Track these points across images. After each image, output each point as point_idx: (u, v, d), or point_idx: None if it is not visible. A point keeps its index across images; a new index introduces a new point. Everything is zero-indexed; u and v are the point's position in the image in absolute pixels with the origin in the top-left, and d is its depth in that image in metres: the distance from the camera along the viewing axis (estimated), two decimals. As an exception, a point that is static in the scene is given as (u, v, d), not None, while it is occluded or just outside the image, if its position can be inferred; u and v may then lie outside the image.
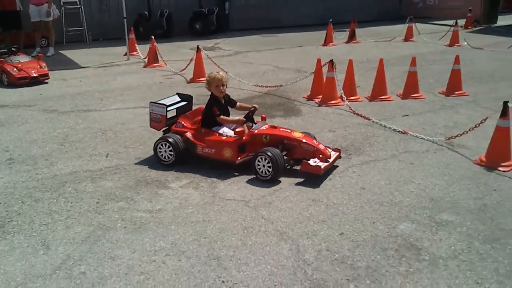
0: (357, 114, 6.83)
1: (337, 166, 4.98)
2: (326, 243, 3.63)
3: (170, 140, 5.07)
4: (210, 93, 5.29)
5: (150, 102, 5.55)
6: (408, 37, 14.21)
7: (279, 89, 8.41)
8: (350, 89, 7.65)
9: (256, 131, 5.01)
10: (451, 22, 14.30)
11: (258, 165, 4.69)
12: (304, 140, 4.89)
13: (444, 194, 4.36)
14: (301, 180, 4.66)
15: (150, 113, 5.50)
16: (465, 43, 12.77)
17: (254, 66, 10.98)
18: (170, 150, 5.08)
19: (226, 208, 4.23)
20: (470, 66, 9.51)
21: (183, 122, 5.32)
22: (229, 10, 16.88)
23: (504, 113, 4.89)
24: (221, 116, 5.17)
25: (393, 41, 14.03)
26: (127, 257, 3.50)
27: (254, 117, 5.30)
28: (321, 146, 4.92)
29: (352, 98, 7.57)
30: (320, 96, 7.63)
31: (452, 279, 3.17)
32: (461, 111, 6.98)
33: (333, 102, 7.40)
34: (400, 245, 3.57)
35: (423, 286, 3.11)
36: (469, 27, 16.32)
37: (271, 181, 4.65)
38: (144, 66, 10.93)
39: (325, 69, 7.58)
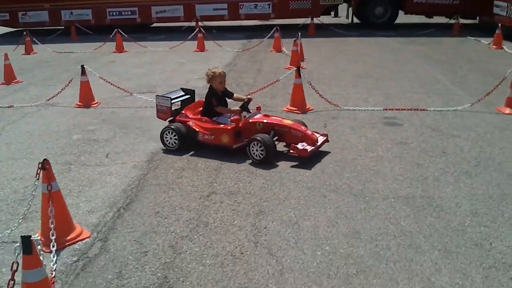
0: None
1: (329, 152, 5.70)
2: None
3: (174, 128, 5.79)
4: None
5: (156, 95, 6.33)
6: None
7: None
8: None
9: (250, 119, 5.75)
10: None
11: (252, 149, 5.42)
12: (293, 127, 5.63)
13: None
14: (295, 163, 5.41)
15: (156, 105, 6.23)
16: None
17: None
18: (175, 137, 5.78)
19: None
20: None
21: (186, 113, 6.06)
22: None
23: None
24: (219, 107, 5.91)
25: None
26: None
27: (249, 107, 6.01)
28: (309, 132, 5.64)
29: None
30: None
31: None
32: None
33: None
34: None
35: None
36: None
37: (263, 163, 5.37)
38: None
39: None
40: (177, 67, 11.53)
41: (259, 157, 5.39)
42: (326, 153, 5.70)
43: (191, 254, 3.73)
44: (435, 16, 18.53)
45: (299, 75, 7.46)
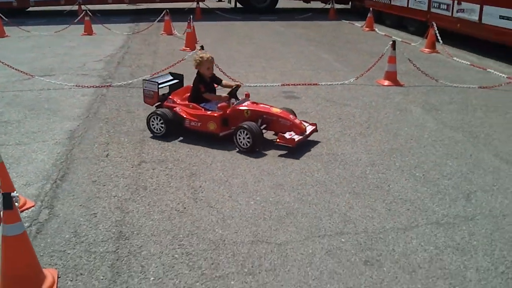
0: None
1: (319, 142, 5.69)
2: None
3: (161, 113, 5.71)
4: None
5: (143, 79, 6.28)
6: None
7: None
8: None
9: (238, 107, 5.62)
10: None
11: (239, 137, 5.35)
12: (281, 115, 5.56)
13: None
14: (283, 152, 5.36)
15: (143, 89, 6.12)
16: None
17: None
18: (162, 123, 5.71)
19: None
20: None
21: (173, 98, 5.95)
22: None
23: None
24: (207, 93, 5.81)
25: None
26: None
27: (237, 94, 5.89)
28: (297, 121, 5.57)
29: None
30: None
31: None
32: None
33: None
34: None
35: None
36: None
37: (250, 152, 5.30)
38: None
39: None
40: (69, 50, 11.35)
41: (246, 145, 5.35)
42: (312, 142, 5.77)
43: (138, 212, 4.11)
44: (312, 1, 19.92)
45: (203, 54, 7.92)
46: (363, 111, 6.93)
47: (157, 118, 5.75)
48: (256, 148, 5.36)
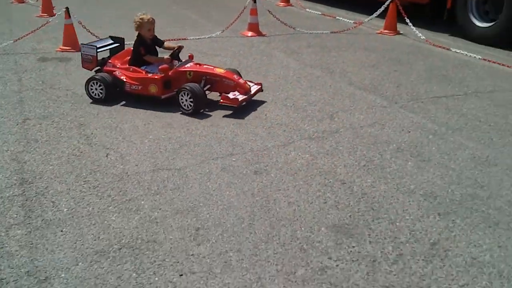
0: None
1: (264, 102, 5.68)
2: None
3: (99, 78, 5.58)
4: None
5: (81, 43, 6.01)
6: None
7: None
8: None
9: (179, 68, 5.53)
10: None
11: (182, 99, 5.26)
12: (225, 76, 5.47)
13: None
14: (228, 112, 5.32)
15: (81, 54, 5.92)
16: None
17: None
18: (101, 88, 5.54)
19: None
20: None
21: (113, 62, 5.79)
22: None
23: None
24: (148, 56, 5.67)
25: None
26: None
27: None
28: (241, 81, 5.50)
29: None
30: None
31: None
32: None
33: None
34: None
35: None
36: None
37: (194, 113, 5.26)
38: None
39: None
40: None
41: (189, 107, 5.30)
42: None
43: (35, 161, 4.25)
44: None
45: (69, 16, 7.84)
46: (233, 59, 7.48)
47: (96, 83, 5.59)
48: (200, 109, 5.35)
